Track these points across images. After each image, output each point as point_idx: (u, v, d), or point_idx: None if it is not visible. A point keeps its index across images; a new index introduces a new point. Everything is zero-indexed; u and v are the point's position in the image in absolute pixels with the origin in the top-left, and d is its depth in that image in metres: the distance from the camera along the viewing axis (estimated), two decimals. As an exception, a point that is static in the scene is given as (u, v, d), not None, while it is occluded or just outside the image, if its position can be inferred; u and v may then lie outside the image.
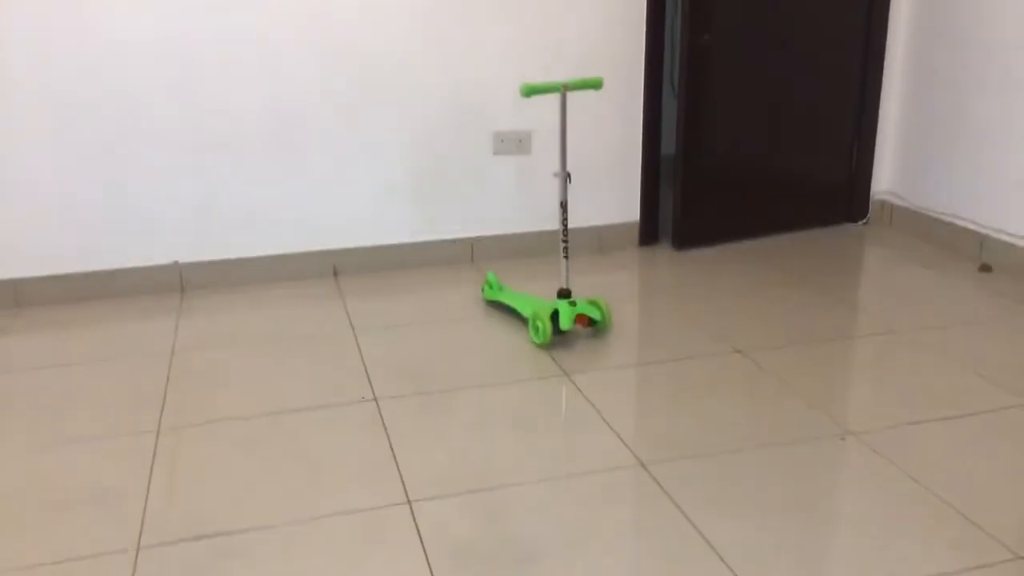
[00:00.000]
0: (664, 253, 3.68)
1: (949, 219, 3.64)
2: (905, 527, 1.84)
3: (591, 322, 2.83)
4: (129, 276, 3.23)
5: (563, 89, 2.72)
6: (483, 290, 3.16)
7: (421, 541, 1.82)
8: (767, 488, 2.00)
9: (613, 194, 3.68)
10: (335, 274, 3.44)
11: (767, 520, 1.88)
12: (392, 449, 2.19)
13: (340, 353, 2.76)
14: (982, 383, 2.49)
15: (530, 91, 2.67)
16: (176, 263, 3.27)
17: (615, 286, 3.33)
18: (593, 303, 2.83)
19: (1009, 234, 3.36)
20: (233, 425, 2.33)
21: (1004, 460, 2.10)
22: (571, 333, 2.83)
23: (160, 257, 3.25)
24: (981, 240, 3.47)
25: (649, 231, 3.75)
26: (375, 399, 2.45)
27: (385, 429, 2.29)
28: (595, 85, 2.79)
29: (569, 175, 2.80)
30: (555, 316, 2.75)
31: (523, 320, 2.91)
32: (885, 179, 3.99)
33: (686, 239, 3.69)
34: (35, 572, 1.75)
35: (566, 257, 2.83)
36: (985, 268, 3.39)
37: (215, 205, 3.25)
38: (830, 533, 1.85)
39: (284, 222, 3.34)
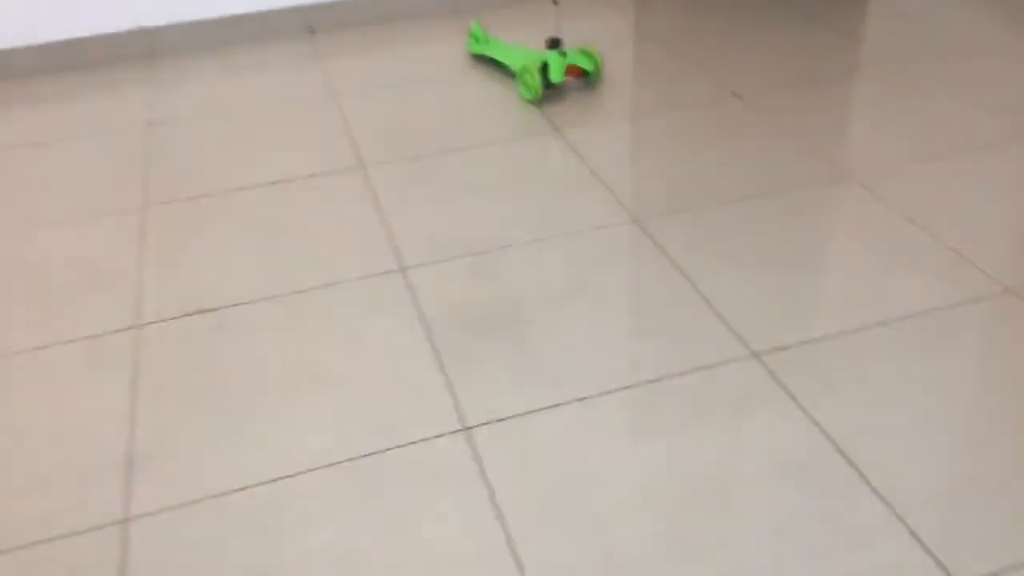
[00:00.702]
0: (660, -7, 3.45)
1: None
2: (898, 267, 1.84)
3: (583, 73, 2.69)
4: (94, 44, 3.04)
5: None
6: (469, 43, 2.99)
7: (417, 306, 1.83)
8: (764, 236, 1.98)
9: (604, -73, 3.39)
10: (312, 31, 3.25)
11: (761, 268, 1.87)
12: (383, 216, 2.15)
13: (323, 119, 2.65)
14: (989, 117, 2.40)
15: None
16: (141, 28, 3.07)
17: (608, 32, 3.15)
18: (585, 52, 2.68)
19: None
20: (219, 199, 2.28)
21: (1000, 196, 2.07)
22: (562, 86, 2.70)
23: (126, 22, 3.05)
24: (999, -39, 3.23)
25: (644, -32, 3.49)
26: (362, 166, 2.39)
27: (375, 196, 2.24)
28: None
29: (555, -92, 2.55)
30: (544, 68, 2.61)
31: (512, 74, 2.77)
32: None
33: (683, -25, 3.44)
34: (38, 355, 1.77)
35: (555, 2, 2.64)
36: (1001, -7, 3.18)
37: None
38: (823, 276, 1.86)
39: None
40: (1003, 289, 1.76)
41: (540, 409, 1.55)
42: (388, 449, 1.49)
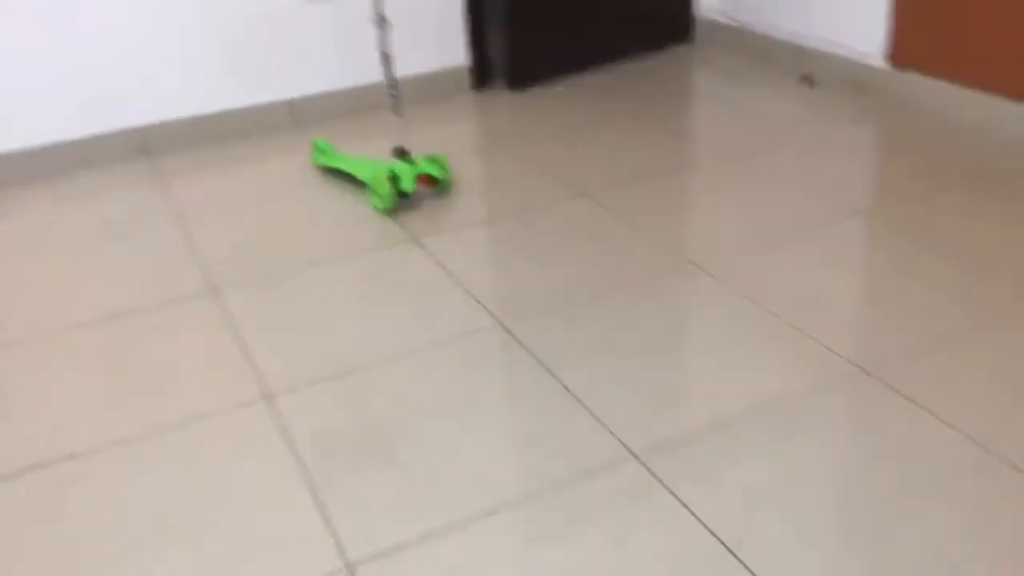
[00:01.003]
0: (499, 96, 3.56)
1: (771, 32, 3.67)
2: (752, 352, 1.92)
3: (433, 181, 2.72)
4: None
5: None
6: (313, 155, 2.97)
7: (285, 436, 1.75)
8: (624, 329, 2.02)
9: (437, 35, 3.47)
10: (147, 152, 3.14)
11: (625, 360, 1.91)
12: (242, 342, 2.07)
13: (166, 242, 2.54)
14: (815, 199, 2.58)
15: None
16: (-43, 160, 2.88)
17: (453, 138, 3.21)
18: (433, 160, 2.71)
19: (829, 43, 3.43)
20: (63, 337, 2.13)
21: (839, 275, 2.21)
22: (414, 195, 2.72)
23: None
24: (802, 51, 3.53)
25: (481, 73, 3.60)
26: (214, 290, 2.29)
27: (230, 321, 2.15)
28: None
29: (385, 19, 2.58)
30: (394, 178, 2.62)
31: (361, 185, 2.77)
32: (709, -2, 3.97)
33: (520, 79, 3.57)
34: None
35: (396, 112, 2.67)
36: (807, 80, 3.46)
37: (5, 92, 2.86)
38: (686, 365, 1.91)
39: (84, 100, 2.98)
40: (854, 368, 1.86)
41: (425, 536, 1.50)
42: (268, 601, 1.40)
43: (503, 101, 3.51)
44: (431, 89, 3.49)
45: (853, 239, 2.38)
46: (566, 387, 1.84)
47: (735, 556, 1.42)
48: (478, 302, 2.17)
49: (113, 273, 2.40)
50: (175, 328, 2.15)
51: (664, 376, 1.87)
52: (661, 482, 1.57)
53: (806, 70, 3.51)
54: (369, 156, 2.83)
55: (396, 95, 2.64)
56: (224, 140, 3.22)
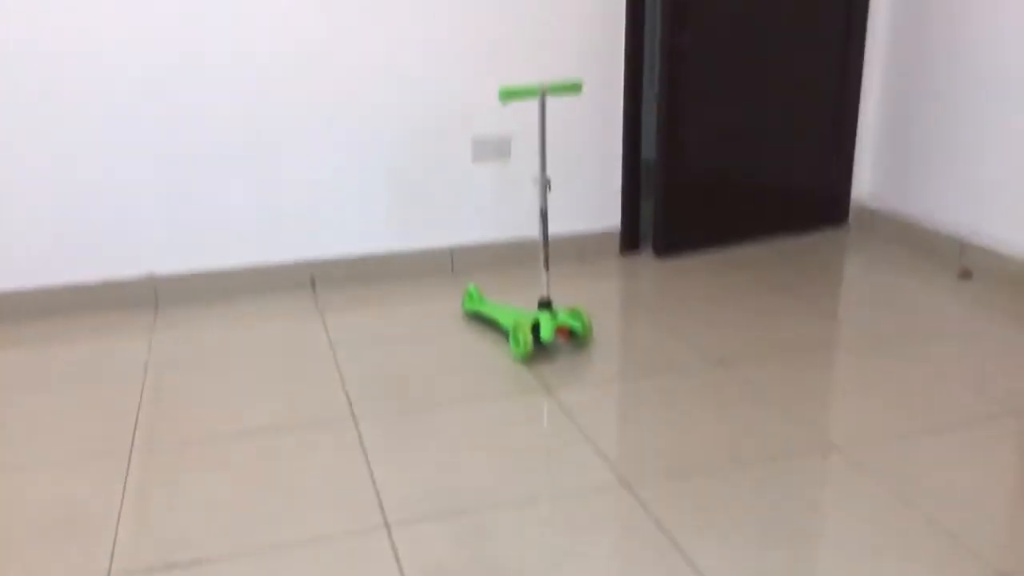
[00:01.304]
0: (645, 261, 3.65)
1: (929, 224, 3.63)
2: (889, 547, 1.82)
3: (572, 334, 2.79)
4: (102, 290, 3.16)
5: (542, 93, 2.68)
6: (463, 301, 3.12)
7: (399, 566, 1.78)
8: (752, 509, 1.97)
9: (594, 200, 3.65)
10: (313, 285, 3.39)
11: (752, 543, 1.84)
12: (370, 469, 2.14)
13: (317, 369, 2.71)
14: (967, 394, 2.47)
15: (508, 95, 2.62)
16: (151, 275, 3.20)
17: (596, 295, 3.30)
18: (574, 313, 2.79)
19: (989, 239, 3.35)
20: (207, 447, 2.27)
21: (988, 474, 2.09)
22: (552, 345, 2.79)
23: (134, 269, 3.18)
24: (961, 245, 3.46)
25: (630, 238, 3.72)
26: (353, 417, 2.40)
27: (363, 449, 2.24)
28: (575, 88, 2.75)
29: (549, 181, 2.76)
30: (536, 328, 2.71)
31: (503, 332, 2.87)
32: (866, 184, 3.98)
33: (667, 247, 3.66)
34: (-1, 607, 1.69)
35: (546, 266, 2.79)
36: (965, 274, 3.38)
37: (191, 216, 3.19)
38: (815, 555, 1.82)
39: (261, 232, 3.28)
40: (997, 574, 1.73)
41: None
42: None
43: (649, 266, 3.60)
44: (582, 248, 3.64)
45: (1006, 438, 2.25)
46: (685, 557, 1.80)
47: None
48: (605, 459, 2.17)
49: (263, 392, 2.57)
50: (311, 449, 2.25)
51: (790, 562, 1.80)
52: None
53: (965, 264, 3.43)
54: (515, 306, 2.95)
55: (548, 251, 2.77)
56: (384, 280, 3.44)
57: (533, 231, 3.46)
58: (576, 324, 2.77)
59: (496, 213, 3.53)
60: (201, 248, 3.23)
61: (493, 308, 2.97)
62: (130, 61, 2.99)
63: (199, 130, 3.12)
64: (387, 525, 1.92)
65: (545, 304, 2.78)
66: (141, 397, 2.54)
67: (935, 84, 3.54)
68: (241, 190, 3.22)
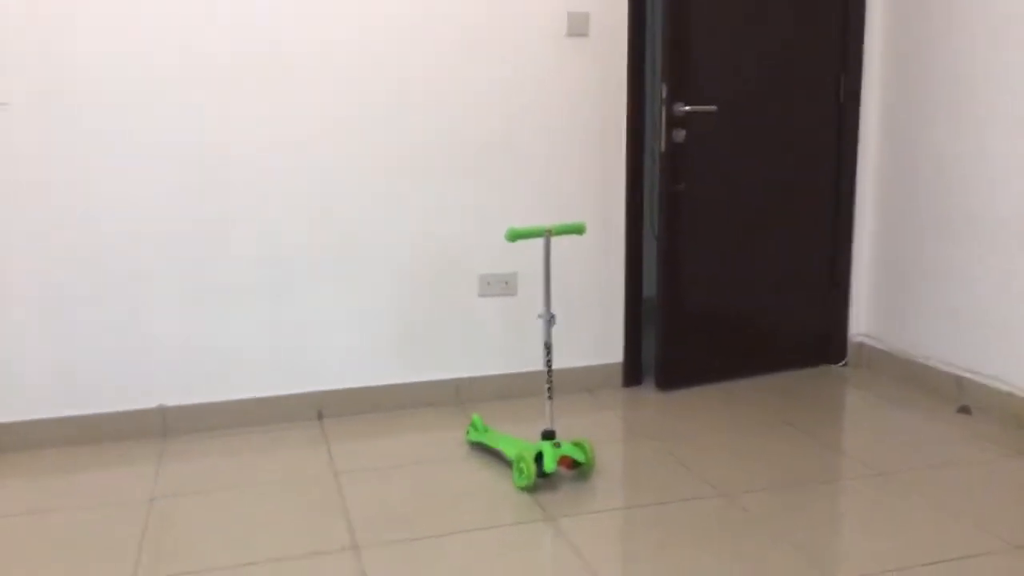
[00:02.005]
0: (648, 394, 3.71)
1: (926, 361, 3.70)
2: None
3: (575, 464, 2.82)
4: (113, 420, 3.21)
5: (547, 234, 2.82)
6: (467, 432, 3.16)
7: None
8: (755, 638, 1.96)
9: (597, 335, 3.75)
10: (320, 417, 3.44)
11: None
12: (372, 597, 2.14)
13: (322, 499, 2.73)
14: (969, 528, 2.48)
15: (515, 236, 2.77)
16: (161, 406, 3.26)
17: (599, 427, 3.34)
18: (577, 444, 2.83)
19: (986, 375, 3.42)
20: None
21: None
22: (555, 475, 2.82)
23: (144, 400, 3.25)
24: (959, 381, 3.52)
25: (632, 372, 3.79)
26: (355, 548, 2.41)
27: (366, 576, 2.24)
28: (578, 230, 2.90)
29: (553, 316, 2.86)
30: (539, 458, 2.75)
31: (507, 462, 2.90)
32: (862, 321, 4.08)
33: (669, 380, 3.73)
34: None
35: (550, 398, 2.85)
36: (964, 410, 3.42)
37: (203, 349, 3.28)
38: None
39: (270, 365, 3.37)
40: None
41: None
42: None
43: (651, 399, 3.65)
44: (585, 381, 3.71)
45: (1008, 572, 2.25)
46: None
47: None
48: (606, 587, 2.17)
49: (267, 523, 2.58)
50: (316, 576, 2.26)
51: None
52: None
53: (963, 400, 3.48)
54: (518, 436, 2.99)
55: (552, 383, 2.84)
56: (390, 410, 3.49)
57: (537, 364, 3.54)
58: (579, 454, 2.81)
59: (501, 347, 3.62)
60: (211, 380, 3.31)
61: (496, 438, 3.01)
62: (150, 207, 3.16)
63: (214, 271, 3.25)
64: (388, 653, 1.91)
65: (549, 435, 2.82)
66: (145, 528, 2.55)
67: (927, 222, 3.69)
68: (252, 324, 3.33)
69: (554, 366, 2.91)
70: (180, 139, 3.15)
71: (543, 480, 2.79)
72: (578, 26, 3.51)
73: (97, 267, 3.14)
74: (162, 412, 3.26)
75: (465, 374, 3.60)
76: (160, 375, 3.25)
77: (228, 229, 3.25)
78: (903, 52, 3.76)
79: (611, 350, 3.77)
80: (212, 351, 3.30)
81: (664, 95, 3.56)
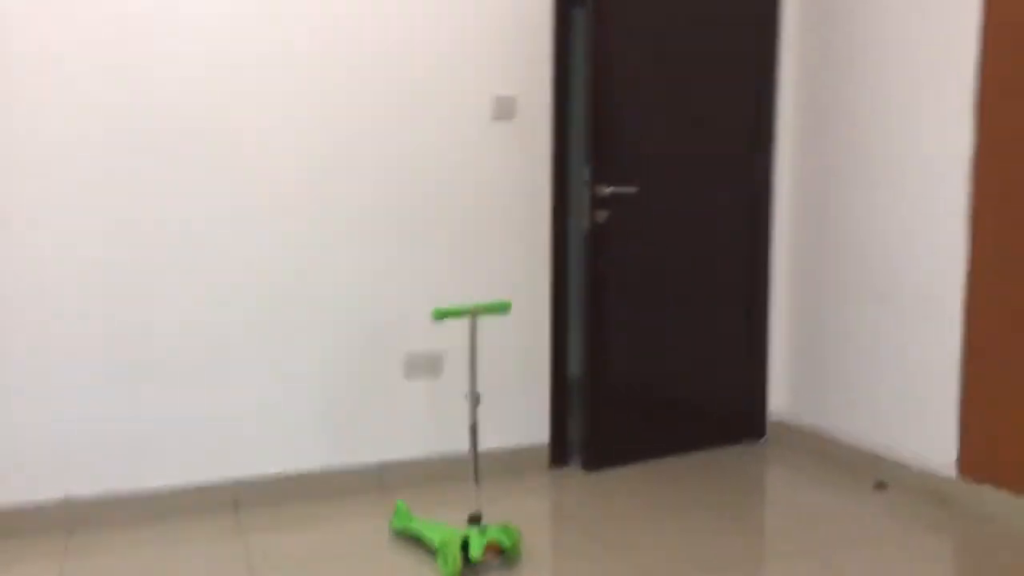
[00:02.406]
0: (574, 475, 3.69)
1: (843, 437, 3.79)
2: None
3: (501, 551, 2.77)
4: (14, 514, 3.02)
5: (473, 313, 2.82)
6: (391, 519, 3.08)
7: None
8: None
9: (523, 415, 3.73)
10: (236, 507, 3.30)
11: None
12: None
13: (238, 592, 2.61)
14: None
15: (441, 315, 2.76)
16: (67, 498, 3.09)
17: (526, 511, 3.30)
18: (504, 530, 2.78)
19: (902, 451, 3.51)
20: None
21: None
22: (481, 563, 2.76)
23: (49, 491, 3.07)
24: (875, 458, 3.61)
25: (559, 452, 3.78)
26: (274, 644, 2.30)
27: None
28: (504, 309, 2.91)
29: (479, 396, 2.84)
30: (465, 545, 2.69)
31: (432, 550, 2.83)
32: (781, 397, 4.16)
33: (595, 460, 3.72)
34: None
35: (476, 481, 2.81)
36: (880, 486, 3.50)
37: (113, 433, 3.14)
38: None
39: (185, 451, 3.23)
40: None
41: None
42: None
43: (578, 480, 3.63)
44: (512, 462, 3.66)
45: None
46: None
47: None
48: None
49: (182, 617, 2.45)
50: None
51: None
52: None
53: (879, 476, 3.56)
54: (444, 522, 2.93)
55: (478, 466, 2.80)
56: (311, 498, 3.38)
57: (463, 446, 3.48)
58: (506, 540, 2.76)
59: (426, 429, 3.56)
60: (121, 467, 3.16)
61: (422, 525, 2.94)
62: (66, 281, 3.05)
63: (126, 350, 3.14)
64: None
65: (475, 519, 2.77)
66: (47, 627, 2.39)
67: (840, 299, 3.81)
68: (167, 406, 3.20)
69: (480, 447, 2.88)
70: (102, 206, 3.07)
71: (469, 569, 2.72)
72: (505, 109, 3.58)
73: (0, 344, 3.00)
74: (68, 504, 3.09)
75: (389, 457, 3.52)
76: (67, 462, 3.09)
77: (144, 306, 3.15)
78: (812, 131, 3.94)
79: (537, 430, 3.75)
80: (122, 435, 3.15)
81: (587, 177, 3.64)
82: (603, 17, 3.60)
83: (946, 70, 3.30)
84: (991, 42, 3.13)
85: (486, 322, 3.47)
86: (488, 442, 3.49)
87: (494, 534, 2.75)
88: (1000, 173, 3.12)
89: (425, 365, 3.55)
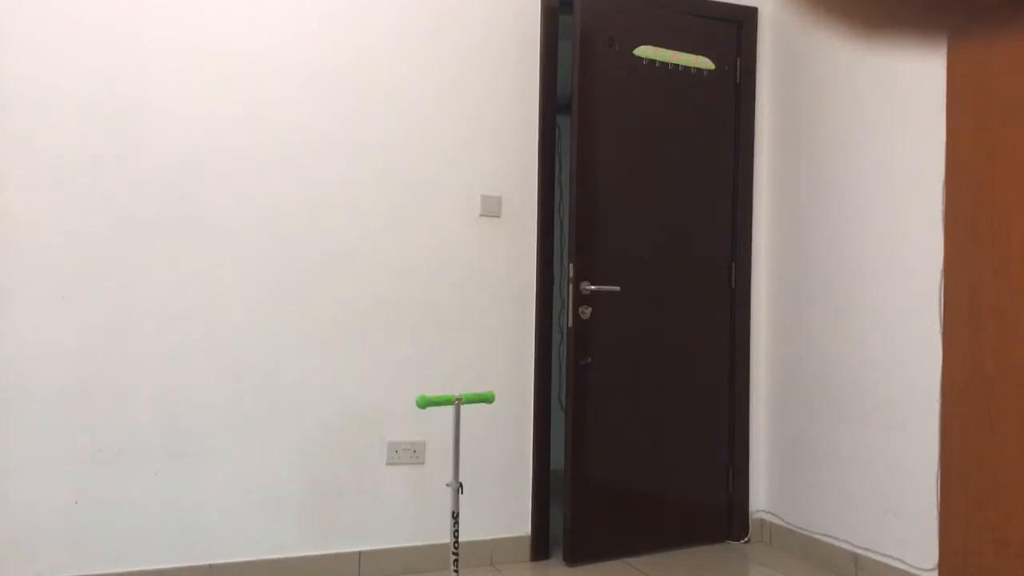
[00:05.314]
0: (555, 569, 3.67)
1: (824, 538, 3.80)
2: None
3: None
4: (-13, 590, 3.01)
5: (457, 402, 2.88)
6: (370, 606, 3.06)
7: None
8: None
9: (505, 507, 3.73)
10: (214, 589, 3.28)
11: None
12: None
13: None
14: None
15: (425, 403, 2.82)
16: (42, 576, 3.07)
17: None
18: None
19: (881, 553, 3.52)
20: None
21: None
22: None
23: (20, 574, 3.05)
24: (856, 558, 3.61)
25: (540, 545, 3.77)
26: None
27: None
28: (487, 399, 2.97)
29: (461, 485, 2.87)
30: (443, 633, 2.68)
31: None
32: (762, 498, 4.18)
33: (577, 555, 3.71)
34: None
35: (455, 570, 2.81)
36: (862, 585, 3.50)
37: (88, 517, 3.13)
38: None
39: (162, 536, 3.23)
40: None
41: None
42: None
43: (559, 574, 3.61)
44: (493, 554, 3.65)
45: None
46: None
47: None
48: None
49: None
50: None
51: None
52: None
53: None
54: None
55: (458, 555, 2.81)
56: (288, 584, 3.35)
57: (444, 536, 3.49)
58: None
59: (407, 518, 3.56)
60: (99, 552, 3.14)
61: (401, 612, 2.92)
62: (45, 362, 3.11)
63: (103, 433, 3.16)
64: None
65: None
66: None
67: (817, 402, 3.89)
68: (144, 490, 3.21)
69: (462, 538, 2.89)
70: (82, 297, 3.16)
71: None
72: (491, 208, 3.73)
73: (-9, 426, 3.03)
74: (43, 584, 3.07)
75: (369, 547, 3.51)
76: (38, 544, 3.07)
77: (124, 388, 3.19)
78: (786, 242, 4.09)
79: (519, 522, 3.75)
80: (99, 518, 3.15)
81: (571, 275, 3.77)
82: (586, 125, 3.80)
83: (917, 180, 3.46)
84: (951, 160, 3.32)
85: (470, 414, 3.53)
86: (470, 533, 3.49)
87: (473, 621, 2.74)
88: (968, 287, 3.24)
89: (407, 453, 3.58)
